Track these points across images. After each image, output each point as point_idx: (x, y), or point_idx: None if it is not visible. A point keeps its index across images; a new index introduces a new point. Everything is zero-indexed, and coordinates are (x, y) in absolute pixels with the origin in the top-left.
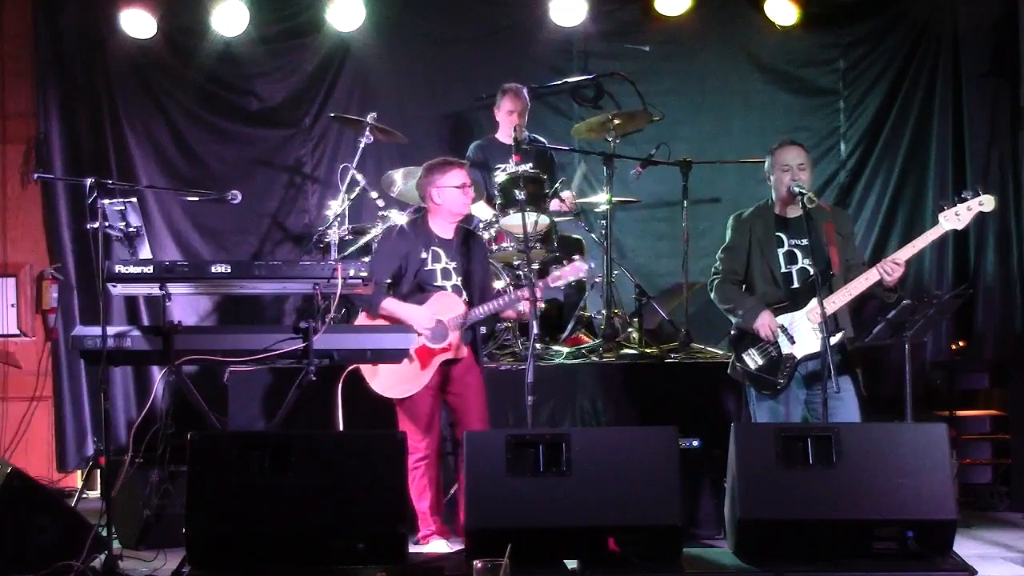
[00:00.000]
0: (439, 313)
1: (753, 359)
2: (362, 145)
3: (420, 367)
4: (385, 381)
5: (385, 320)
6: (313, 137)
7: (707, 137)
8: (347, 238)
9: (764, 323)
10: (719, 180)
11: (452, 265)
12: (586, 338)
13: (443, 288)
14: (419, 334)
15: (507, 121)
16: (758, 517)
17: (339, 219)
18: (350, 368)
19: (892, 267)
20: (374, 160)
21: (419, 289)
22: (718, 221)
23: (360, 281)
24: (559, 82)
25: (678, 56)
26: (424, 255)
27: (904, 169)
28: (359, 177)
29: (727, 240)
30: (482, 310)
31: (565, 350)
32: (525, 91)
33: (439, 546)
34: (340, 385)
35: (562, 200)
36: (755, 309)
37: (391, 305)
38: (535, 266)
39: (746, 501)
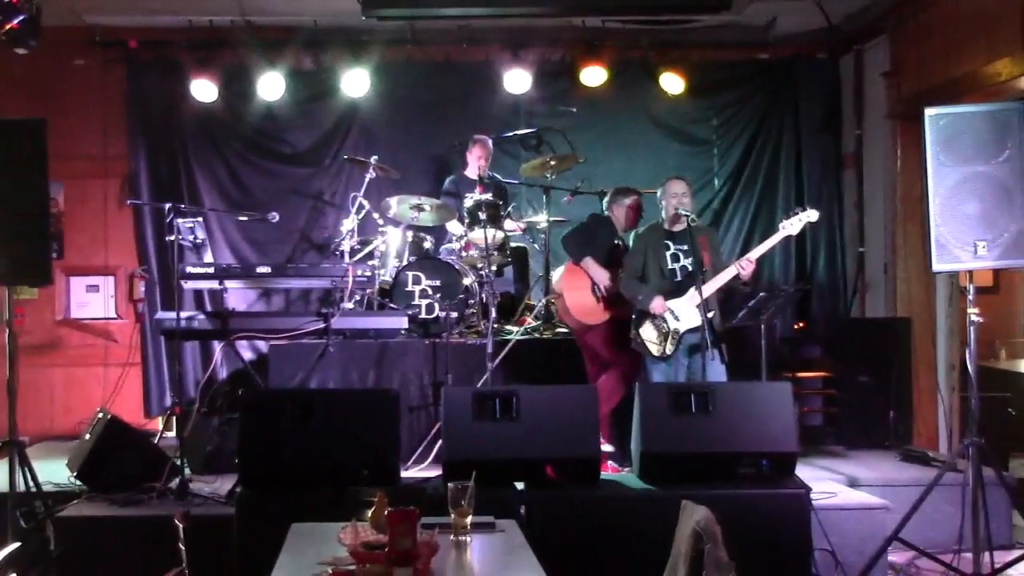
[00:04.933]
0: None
1: (649, 333)
2: (367, 179)
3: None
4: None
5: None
6: (331, 173)
7: (618, 173)
8: (356, 247)
9: (657, 304)
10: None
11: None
12: (531, 321)
13: None
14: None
15: (475, 162)
16: (656, 451)
17: (350, 233)
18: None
19: (746, 263)
20: (376, 190)
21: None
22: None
23: (366, 278)
24: (510, 134)
25: (597, 114)
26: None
27: (760, 197)
28: (364, 203)
29: (631, 249)
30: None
31: (515, 329)
32: (490, 141)
33: None
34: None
35: (514, 220)
36: (651, 295)
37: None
38: (493, 268)
39: (647, 439)
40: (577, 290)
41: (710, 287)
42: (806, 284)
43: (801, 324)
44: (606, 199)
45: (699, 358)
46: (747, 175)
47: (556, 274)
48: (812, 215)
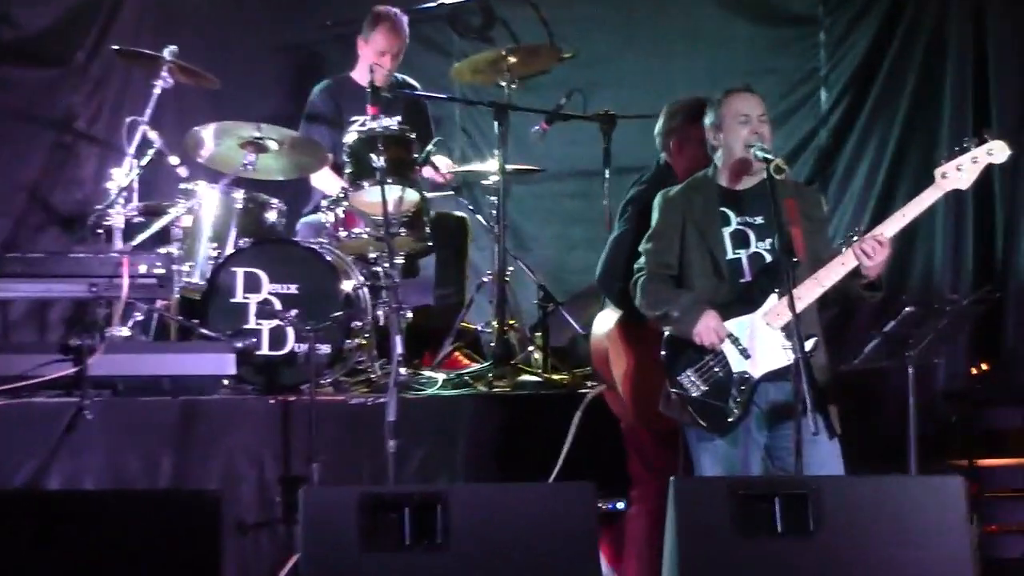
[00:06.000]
0: None
1: (693, 383)
2: (157, 91)
3: None
4: None
5: None
6: (89, 79)
7: (638, 83)
8: (137, 220)
9: (707, 326)
10: (655, 143)
11: None
12: (469, 361)
13: None
14: None
15: (370, 57)
16: None
17: (125, 194)
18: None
19: (873, 246)
20: (175, 112)
21: None
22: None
23: (155, 280)
24: (433, 4)
25: None
26: None
27: (908, 126)
28: (153, 136)
29: (653, 224)
30: None
31: (441, 377)
32: (406, 22)
33: None
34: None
35: (437, 168)
36: (695, 309)
37: None
38: (400, 260)
39: None
40: (635, 358)
41: (806, 292)
42: (994, 291)
43: (985, 366)
44: (659, 125)
45: (788, 430)
46: (881, 83)
47: (600, 321)
48: (999, 149)
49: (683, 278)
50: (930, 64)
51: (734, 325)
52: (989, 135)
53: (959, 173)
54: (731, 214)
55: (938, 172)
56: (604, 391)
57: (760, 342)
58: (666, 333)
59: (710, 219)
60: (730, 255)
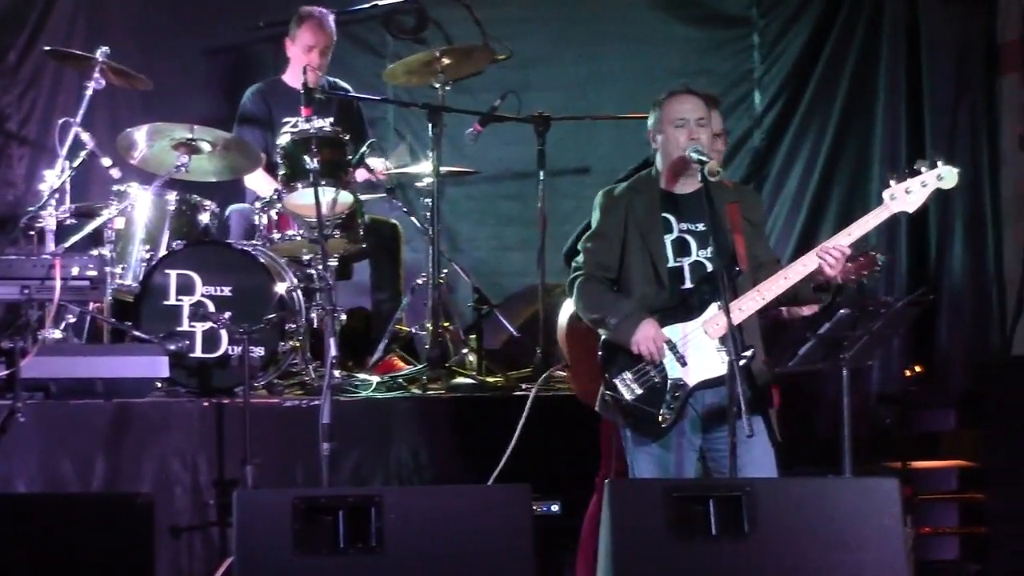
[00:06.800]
0: None
1: (628, 387)
2: (90, 92)
3: None
4: None
5: None
6: (21, 80)
7: (572, 84)
8: (69, 222)
9: (646, 335)
10: (589, 143)
11: None
12: (403, 364)
13: None
14: None
15: (302, 60)
16: None
17: (57, 196)
18: None
19: (835, 254)
20: (107, 113)
21: None
22: (587, 200)
23: (88, 282)
24: (366, 5)
25: None
26: None
27: (841, 129)
28: (85, 137)
29: (594, 224)
30: None
31: (375, 379)
32: (332, 19)
33: None
34: None
35: (371, 170)
36: (633, 317)
37: None
38: (334, 262)
39: None
40: (591, 340)
41: (748, 304)
42: (928, 293)
43: (919, 368)
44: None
45: (724, 433)
46: (816, 85)
47: (563, 313)
48: (948, 176)
49: (622, 281)
50: (864, 67)
51: (673, 331)
52: (939, 159)
53: (907, 196)
54: (673, 220)
55: (887, 194)
56: (566, 370)
57: (697, 350)
58: (602, 338)
59: (652, 224)
60: (671, 263)
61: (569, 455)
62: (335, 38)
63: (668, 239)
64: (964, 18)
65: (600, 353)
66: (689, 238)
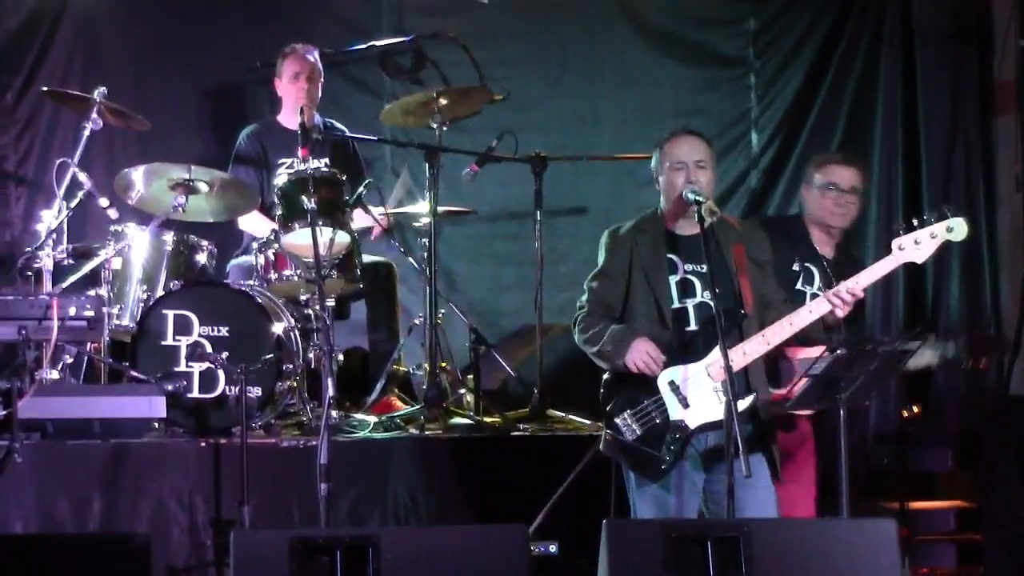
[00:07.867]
0: None
1: (628, 426)
2: (87, 132)
3: None
4: None
5: None
6: (17, 120)
7: (569, 124)
8: (66, 262)
9: (639, 350)
10: (586, 183)
11: None
12: (401, 404)
13: None
14: None
15: (292, 94)
16: None
17: (55, 236)
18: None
19: (846, 297)
20: (104, 153)
21: None
22: (584, 239)
23: (85, 322)
24: (363, 46)
25: (530, 10)
26: None
27: None
28: (83, 177)
29: (600, 264)
30: None
31: (372, 419)
32: (316, 53)
33: None
34: None
35: (368, 210)
36: (626, 337)
37: None
38: (331, 303)
39: None
40: None
41: (752, 348)
42: (925, 333)
43: (916, 410)
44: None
45: (722, 473)
46: (812, 125)
47: None
48: (958, 229)
49: (626, 321)
50: (860, 108)
51: (675, 373)
52: (949, 210)
53: (916, 247)
54: (678, 261)
55: (895, 244)
56: None
57: (700, 392)
58: (605, 376)
59: (657, 265)
60: (676, 304)
61: (567, 495)
62: (322, 71)
63: (673, 280)
64: (960, 59)
65: (601, 391)
66: (694, 279)
